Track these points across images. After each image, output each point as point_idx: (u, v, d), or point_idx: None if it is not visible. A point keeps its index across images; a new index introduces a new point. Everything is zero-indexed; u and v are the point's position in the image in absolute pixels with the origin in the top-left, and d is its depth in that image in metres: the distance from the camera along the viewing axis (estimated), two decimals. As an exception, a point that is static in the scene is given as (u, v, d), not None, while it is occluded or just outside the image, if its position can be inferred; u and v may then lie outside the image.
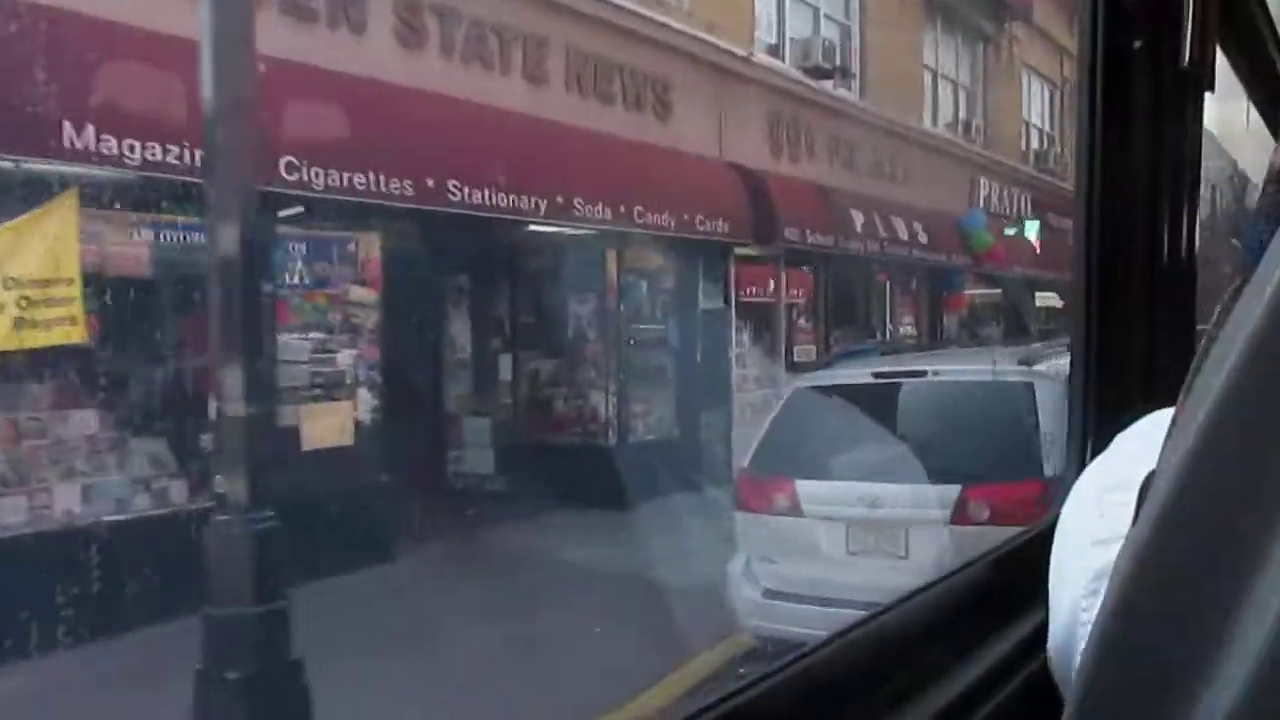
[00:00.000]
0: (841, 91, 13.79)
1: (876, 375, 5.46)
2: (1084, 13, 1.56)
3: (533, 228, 9.80)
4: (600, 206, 8.63)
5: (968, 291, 17.98)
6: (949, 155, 16.71)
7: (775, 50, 12.90)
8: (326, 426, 7.37)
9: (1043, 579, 0.71)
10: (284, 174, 6.24)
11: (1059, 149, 22.35)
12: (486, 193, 7.61)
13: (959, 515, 4.85)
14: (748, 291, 11.81)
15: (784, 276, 12.45)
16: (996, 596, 1.29)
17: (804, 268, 12.95)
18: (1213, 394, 0.43)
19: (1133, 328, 1.61)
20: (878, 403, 5.56)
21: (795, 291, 12.85)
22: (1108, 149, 1.56)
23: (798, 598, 5.29)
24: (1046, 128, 22.33)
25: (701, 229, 9.79)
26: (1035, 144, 21.64)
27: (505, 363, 9.65)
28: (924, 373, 5.26)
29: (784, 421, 5.76)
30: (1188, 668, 0.43)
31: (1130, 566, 0.46)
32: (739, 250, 11.41)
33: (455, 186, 7.36)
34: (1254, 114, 2.48)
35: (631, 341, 10.15)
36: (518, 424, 10.02)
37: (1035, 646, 0.95)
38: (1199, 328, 1.65)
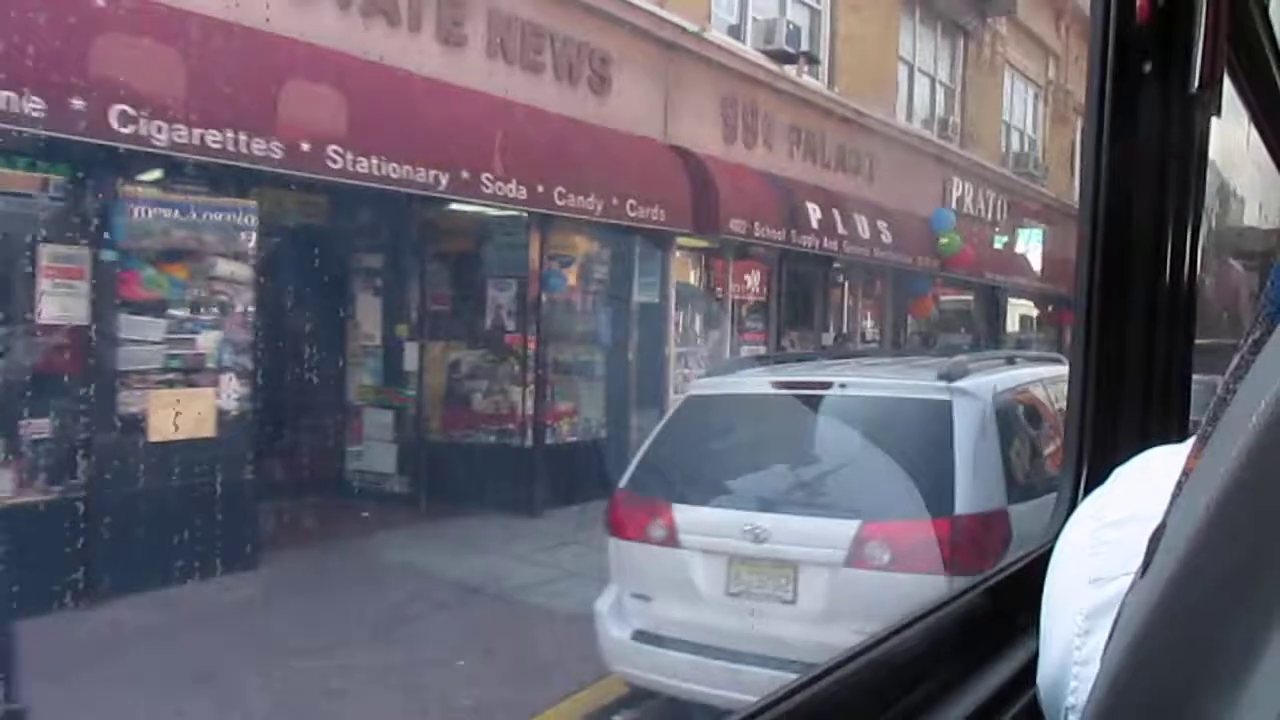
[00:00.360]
0: (807, 79, 13.00)
1: (777, 385, 4.68)
2: (1095, 34, 1.56)
3: (455, 207, 9.03)
4: (514, 185, 7.82)
5: (935, 295, 17.25)
6: (921, 153, 15.95)
7: (736, 30, 12.10)
8: (181, 416, 6.54)
9: (1036, 607, 0.71)
10: (116, 126, 5.41)
11: (1040, 153, 21.66)
12: (374, 161, 6.78)
13: (855, 557, 4.08)
14: (690, 285, 11.03)
15: (731, 271, 11.66)
16: (990, 624, 1.29)
17: (755, 262, 12.17)
18: (1235, 453, 0.42)
19: (1132, 351, 1.60)
20: (775, 417, 4.78)
21: (744, 287, 12.07)
22: (1114, 170, 1.55)
23: (670, 643, 4.52)
24: (1028, 130, 21.60)
25: (632, 215, 8.98)
26: (1015, 146, 20.91)
27: (412, 351, 8.82)
28: (830, 385, 4.48)
29: (670, 434, 4.98)
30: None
31: (1145, 618, 0.46)
32: (681, 240, 10.63)
33: (336, 152, 6.53)
34: (1254, 135, 2.54)
35: (555, 333, 9.33)
36: (426, 419, 9.21)
37: (1028, 678, 0.88)
38: (1198, 341, 1.69)
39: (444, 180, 7.26)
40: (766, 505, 4.41)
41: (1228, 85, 1.61)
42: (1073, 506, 1.08)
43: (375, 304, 9.17)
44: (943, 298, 17.59)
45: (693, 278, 11.30)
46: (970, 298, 19.17)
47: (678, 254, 10.67)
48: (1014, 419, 4.69)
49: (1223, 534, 0.42)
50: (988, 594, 1.36)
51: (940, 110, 17.61)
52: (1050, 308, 22.89)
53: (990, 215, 18.32)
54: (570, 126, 8.65)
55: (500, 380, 9.42)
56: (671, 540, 4.55)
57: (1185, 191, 1.61)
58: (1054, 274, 20.41)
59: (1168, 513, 0.48)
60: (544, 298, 9.04)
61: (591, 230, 9.39)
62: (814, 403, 4.64)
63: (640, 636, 4.62)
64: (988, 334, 19.39)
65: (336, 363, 9.03)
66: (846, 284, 14.36)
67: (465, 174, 7.41)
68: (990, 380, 4.62)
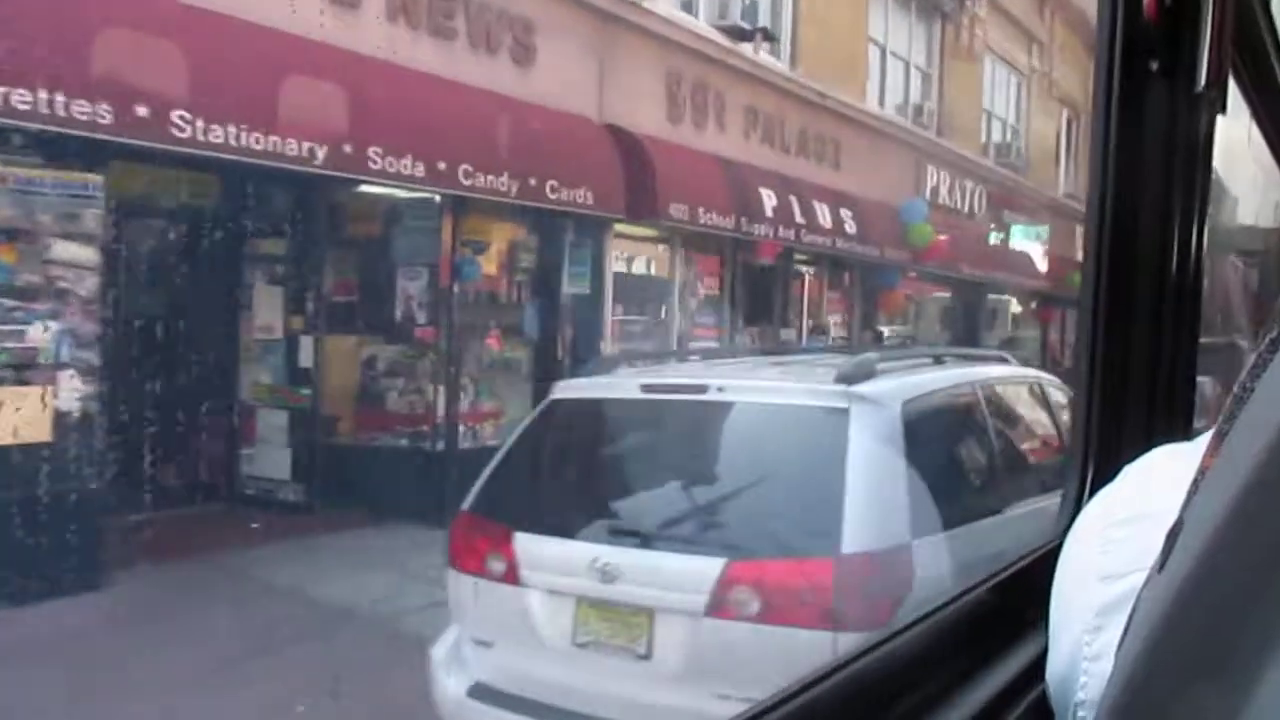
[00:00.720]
0: (765, 58, 12.18)
1: (646, 388, 3.87)
2: (1102, 33, 1.55)
3: (364, 189, 8.22)
4: (409, 161, 7.00)
5: (905, 291, 16.46)
6: (893, 140, 15.13)
7: (688, 4, 11.27)
8: (6, 417, 5.73)
9: (1043, 604, 0.72)
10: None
11: (1023, 143, 20.85)
12: (232, 130, 5.96)
13: (718, 604, 3.28)
14: (632, 276, 10.23)
15: (679, 261, 10.86)
16: (997, 621, 1.29)
17: (707, 253, 11.36)
18: (1255, 452, 0.42)
19: (1137, 350, 1.59)
20: (641, 427, 3.99)
21: (694, 279, 11.26)
22: (1121, 168, 1.55)
23: (509, 701, 3.73)
24: (1010, 119, 20.79)
25: (553, 198, 8.16)
26: (996, 136, 20.09)
27: (308, 346, 7.99)
28: (704, 388, 3.68)
29: (525, 446, 4.17)
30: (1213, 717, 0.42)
31: (1162, 614, 0.46)
32: (621, 228, 9.82)
33: (182, 119, 5.70)
34: (1255, 133, 2.54)
35: (473, 327, 8.52)
36: (325, 420, 8.39)
37: (1036, 673, 0.91)
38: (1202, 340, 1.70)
39: (320, 154, 6.44)
40: (620, 537, 3.60)
41: (1231, 84, 1.57)
42: (1079, 505, 1.09)
43: (274, 294, 8.33)
44: (913, 293, 16.81)
45: (634, 268, 10.49)
46: (948, 293, 18.37)
47: (616, 242, 9.86)
48: (932, 431, 3.89)
49: (1242, 531, 0.42)
50: (994, 591, 1.37)
51: (915, 96, 16.80)
52: (1035, 304, 22.12)
53: (968, 207, 17.51)
54: (482, 100, 7.84)
55: (410, 378, 8.62)
56: (512, 576, 3.75)
57: (1191, 190, 1.60)
58: (1038, 269, 19.64)
59: (1184, 509, 0.49)
60: (456, 288, 8.22)
61: (511, 214, 8.58)
62: (685, 410, 3.84)
63: (477, 692, 3.83)
64: (965, 331, 18.60)
65: (227, 358, 8.21)
66: (808, 276, 13.54)
67: (348, 148, 6.60)
68: (902, 384, 3.82)
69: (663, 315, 10.58)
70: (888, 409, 3.61)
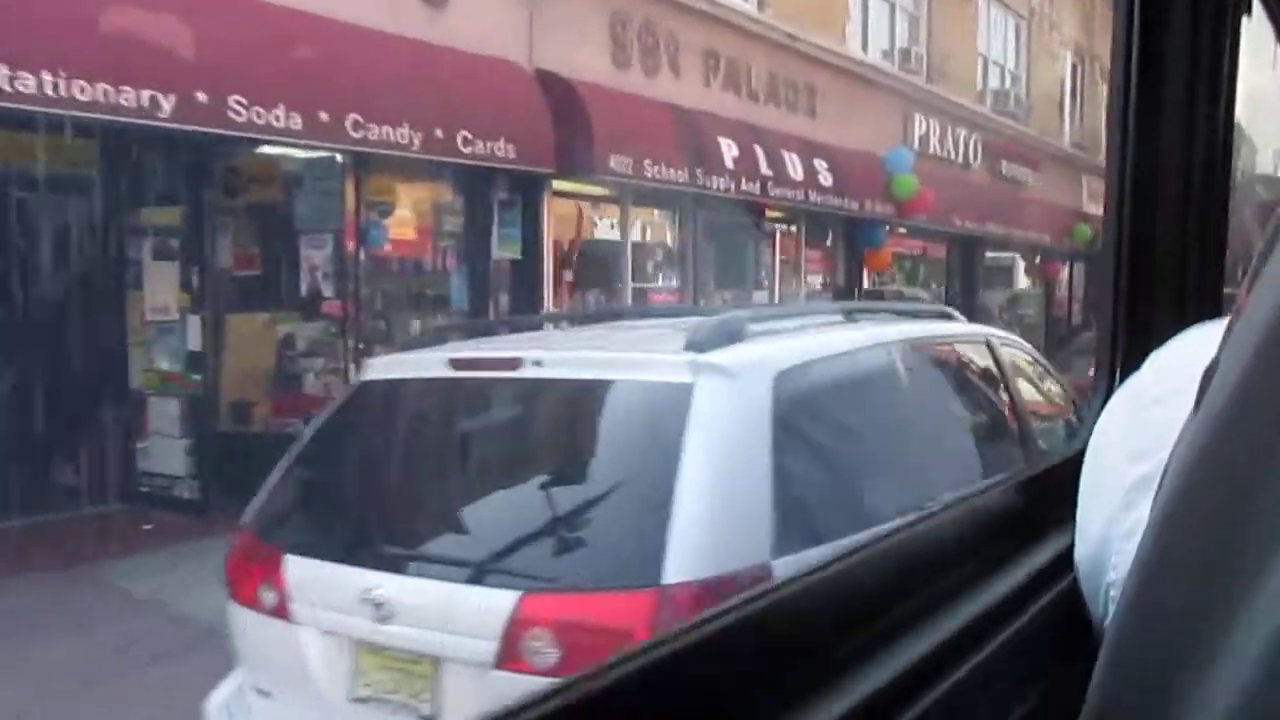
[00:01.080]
0: (727, -2, 11.21)
1: (456, 364, 3.02)
2: None
3: (264, 150, 7.39)
4: (281, 112, 6.13)
5: (895, 248, 15.50)
6: (877, 86, 14.12)
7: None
8: None
9: (1071, 505, 0.74)
10: None
11: (1023, 90, 19.73)
12: (48, 78, 5.11)
13: (507, 653, 2.44)
14: (572, 237, 9.36)
15: (631, 219, 9.97)
16: (1022, 518, 1.28)
17: (664, 210, 10.47)
18: None
19: (1164, 239, 1.55)
20: (443, 415, 3.15)
21: (649, 238, 10.38)
22: (1145, 64, 1.51)
23: (285, 768, 2.93)
24: (1009, 65, 19.66)
25: (467, 151, 7.28)
26: (994, 82, 18.98)
27: (195, 326, 7.16)
28: (517, 363, 2.83)
29: (321, 443, 3.34)
30: (1243, 569, 0.41)
31: (1197, 454, 0.45)
32: (562, 185, 8.94)
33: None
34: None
35: (385, 299, 7.69)
36: (234, 407, 7.59)
37: (1064, 566, 0.95)
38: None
39: (167, 105, 5.57)
40: (401, 562, 2.77)
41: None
42: (1108, 398, 0.90)
43: (167, 270, 7.51)
44: (904, 250, 15.86)
45: (580, 229, 9.61)
46: (942, 249, 17.39)
47: (557, 202, 8.99)
48: (821, 412, 3.02)
49: (1275, 368, 0.42)
50: (1019, 490, 1.37)
51: (902, 40, 15.76)
52: (1038, 259, 21.08)
53: (962, 157, 16.48)
54: (376, 43, 6.94)
55: (331, 357, 7.80)
56: (284, 610, 2.93)
57: (1217, 79, 1.52)
58: (1041, 222, 18.61)
59: (1220, 350, 0.48)
60: (363, 255, 7.38)
61: (426, 172, 7.72)
62: (494, 392, 2.99)
63: (252, 755, 3.03)
64: (963, 289, 17.62)
65: (115, 342, 7.41)
66: (781, 234, 12.60)
67: (202, 96, 5.73)
68: (777, 351, 2.94)
69: (610, 278, 9.70)
70: (751, 383, 2.75)
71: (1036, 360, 4.86)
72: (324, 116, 6.37)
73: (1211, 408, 0.45)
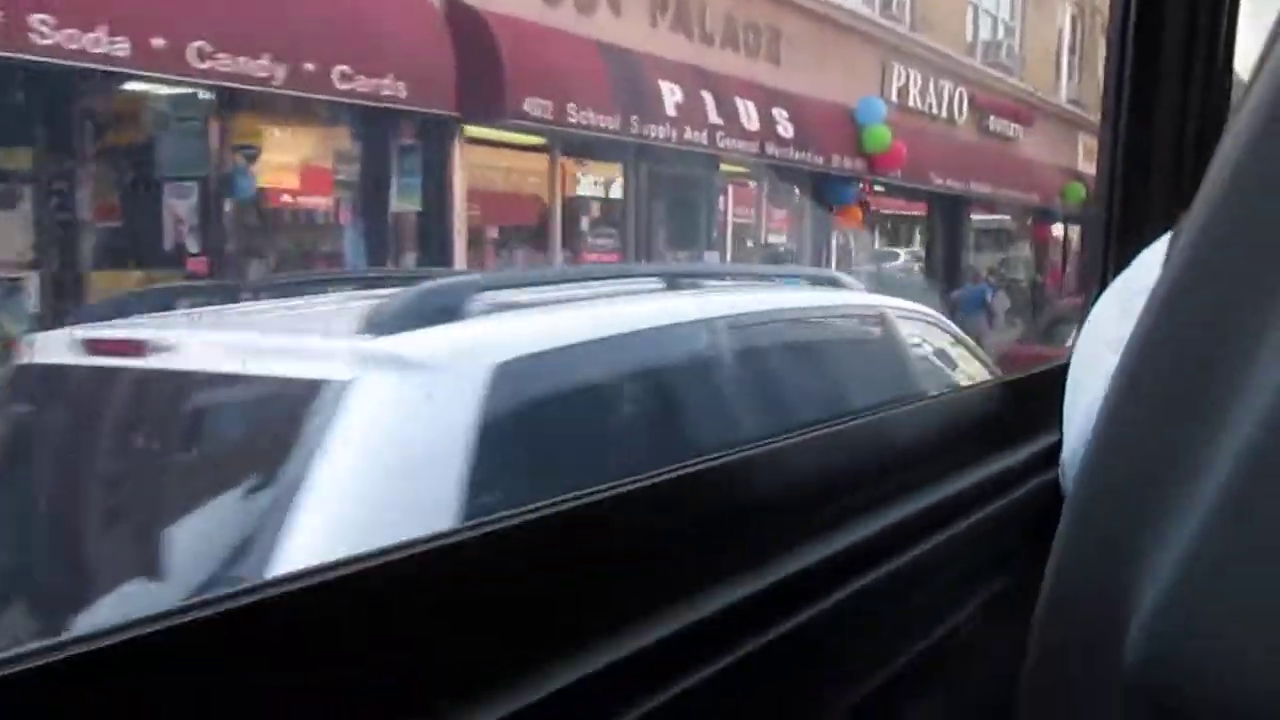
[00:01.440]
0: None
1: (91, 347, 2.23)
2: None
3: (128, 86, 6.54)
4: (102, 35, 5.28)
5: (875, 206, 14.61)
6: (853, 32, 13.15)
7: None
8: None
9: (1060, 405, 0.73)
10: None
11: (1017, 42, 18.69)
12: None
13: None
14: (489, 191, 8.51)
15: (562, 171, 9.12)
16: (1010, 417, 1.29)
17: (600, 161, 9.60)
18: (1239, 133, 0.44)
19: (1161, 126, 1.51)
20: (62, 414, 2.34)
21: (583, 193, 9.52)
22: (1141, 23, 1.49)
23: None
24: (1003, 15, 18.60)
25: (343, 88, 6.42)
26: (985, 33, 17.95)
27: (32, 287, 6.35)
28: (142, 348, 2.04)
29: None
30: (1193, 436, 0.42)
31: (1160, 304, 0.47)
32: (478, 132, 8.08)
33: None
34: None
35: (258, 255, 6.87)
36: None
37: (1048, 461, 1.03)
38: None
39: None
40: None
41: None
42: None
43: (19, 220, 6.68)
44: (880, 209, 14.95)
45: (502, 180, 8.77)
46: (923, 209, 16.48)
47: (470, 149, 8.13)
48: (570, 422, 2.20)
49: (1232, 216, 0.44)
50: (1007, 387, 1.39)
51: (883, -17, 14.75)
52: (1031, 220, 20.15)
53: (947, 111, 15.51)
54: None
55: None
56: None
57: (1215, 34, 1.51)
58: (1032, 181, 17.69)
59: (1195, 202, 0.49)
60: (228, 205, 6.55)
61: (309, 113, 6.87)
62: (122, 386, 2.18)
63: None
64: (946, 251, 16.72)
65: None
66: (735, 189, 11.71)
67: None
68: (501, 335, 2.12)
69: (537, 237, 8.87)
70: (450, 382, 1.94)
71: (958, 339, 4.04)
72: (158, 43, 5.51)
73: (1175, 264, 0.47)
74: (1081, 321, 1.40)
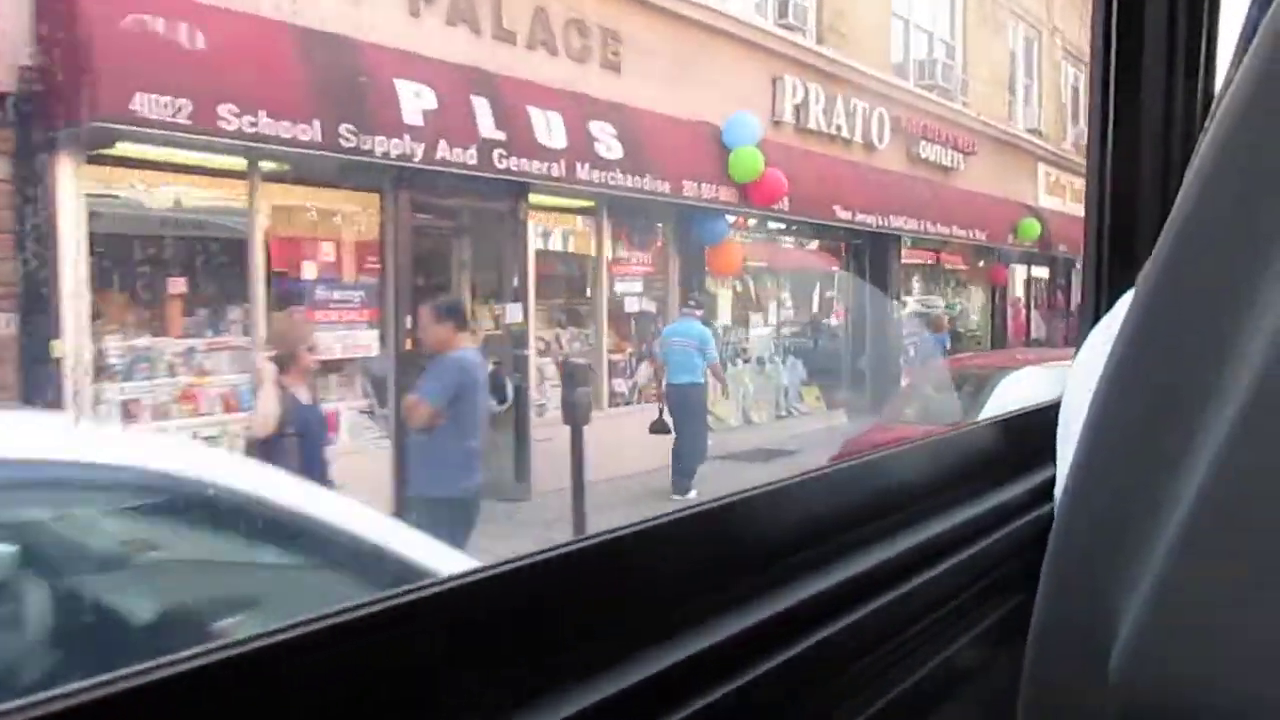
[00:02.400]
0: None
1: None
2: None
3: None
4: None
5: (763, 247, 12.36)
6: (732, 39, 11.01)
7: None
8: None
9: (1054, 444, 0.74)
10: None
11: (959, 64, 16.57)
12: None
13: None
14: (170, 219, 6.33)
15: (259, 200, 6.89)
16: (1008, 454, 1.32)
17: (338, 188, 7.38)
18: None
19: (1147, 175, 1.55)
20: None
21: (319, 231, 7.30)
22: (1123, 35, 1.53)
23: None
24: (940, 32, 16.51)
25: None
26: (919, 51, 15.85)
27: None
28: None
29: None
30: (1166, 458, 0.45)
31: (1151, 287, 0.48)
32: (133, 150, 5.90)
33: None
34: None
35: None
36: None
37: (1045, 495, 1.04)
38: None
39: None
40: None
41: None
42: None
43: None
44: (768, 253, 12.67)
45: (171, 199, 6.56)
46: (841, 249, 14.20)
47: (91, 170, 5.94)
48: None
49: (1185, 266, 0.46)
50: (1004, 425, 1.40)
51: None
52: (982, 262, 17.89)
53: (862, 135, 13.33)
54: None
55: None
56: None
57: (1195, 48, 1.54)
58: (975, 216, 15.48)
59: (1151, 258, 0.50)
60: None
61: None
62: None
63: None
64: (870, 298, 14.40)
65: None
66: (553, 229, 9.45)
67: None
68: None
69: (229, 290, 6.63)
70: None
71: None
72: None
73: (1122, 332, 0.48)
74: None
